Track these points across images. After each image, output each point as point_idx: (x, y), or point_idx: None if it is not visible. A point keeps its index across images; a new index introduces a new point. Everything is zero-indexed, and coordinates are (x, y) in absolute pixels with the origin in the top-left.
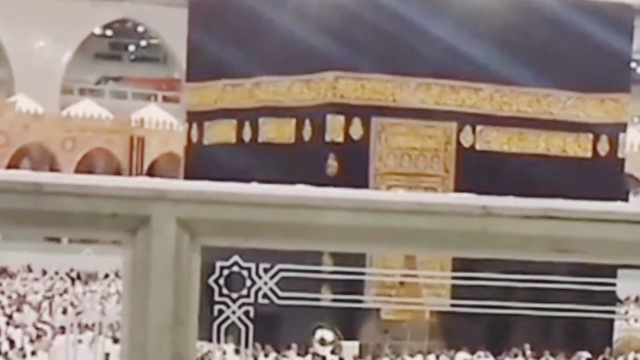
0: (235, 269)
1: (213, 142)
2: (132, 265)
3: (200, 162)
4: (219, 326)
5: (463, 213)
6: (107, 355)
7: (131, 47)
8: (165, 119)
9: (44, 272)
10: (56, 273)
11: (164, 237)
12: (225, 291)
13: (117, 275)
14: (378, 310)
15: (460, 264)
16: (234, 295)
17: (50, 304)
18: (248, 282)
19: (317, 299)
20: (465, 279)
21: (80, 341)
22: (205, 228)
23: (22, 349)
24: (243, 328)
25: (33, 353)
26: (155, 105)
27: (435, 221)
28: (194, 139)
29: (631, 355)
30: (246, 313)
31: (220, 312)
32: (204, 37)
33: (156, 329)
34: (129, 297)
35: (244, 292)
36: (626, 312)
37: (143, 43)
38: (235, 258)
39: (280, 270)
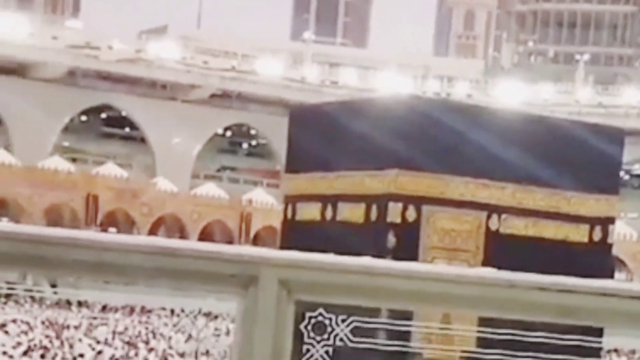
0: (320, 318)
1: (303, 219)
2: (244, 312)
3: (293, 234)
4: None
5: (493, 284)
6: None
7: (244, 145)
8: (268, 200)
9: (172, 311)
10: (182, 310)
11: (268, 292)
12: (312, 335)
13: (232, 319)
14: (421, 353)
15: (483, 321)
16: (318, 339)
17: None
18: (329, 329)
19: (377, 343)
20: (486, 333)
21: None
22: (299, 287)
23: None
24: None
25: None
26: (261, 189)
27: (471, 289)
28: (289, 216)
29: None
30: (327, 352)
31: (307, 350)
32: (299, 140)
33: None
34: (240, 335)
35: (326, 336)
36: None
37: (253, 142)
38: (320, 310)
39: (354, 320)
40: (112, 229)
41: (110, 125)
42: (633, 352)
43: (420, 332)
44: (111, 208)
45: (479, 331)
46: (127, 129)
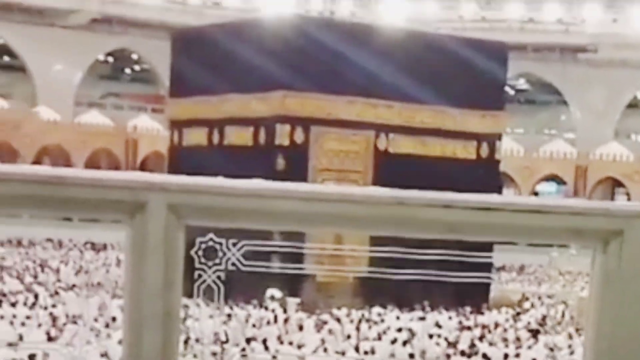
0: (211, 243)
1: (190, 144)
2: (132, 240)
3: (180, 160)
4: (198, 287)
5: (381, 202)
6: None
7: (127, 71)
8: (153, 126)
9: (60, 243)
10: (70, 241)
11: (157, 218)
12: (202, 260)
13: (119, 247)
14: (314, 275)
15: (375, 240)
16: (210, 264)
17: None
18: (220, 254)
19: (270, 267)
20: (379, 252)
21: (88, 297)
22: (189, 212)
23: (44, 302)
24: (216, 288)
25: (53, 306)
26: (146, 115)
27: (360, 208)
28: (175, 141)
29: (503, 309)
30: (218, 277)
31: (199, 276)
32: (182, 63)
33: (151, 289)
34: (130, 265)
35: (217, 261)
36: (499, 277)
37: (137, 67)
38: (211, 235)
39: (245, 245)
40: None
41: None
42: (522, 268)
43: (313, 254)
44: None
45: (371, 251)
46: (6, 58)
